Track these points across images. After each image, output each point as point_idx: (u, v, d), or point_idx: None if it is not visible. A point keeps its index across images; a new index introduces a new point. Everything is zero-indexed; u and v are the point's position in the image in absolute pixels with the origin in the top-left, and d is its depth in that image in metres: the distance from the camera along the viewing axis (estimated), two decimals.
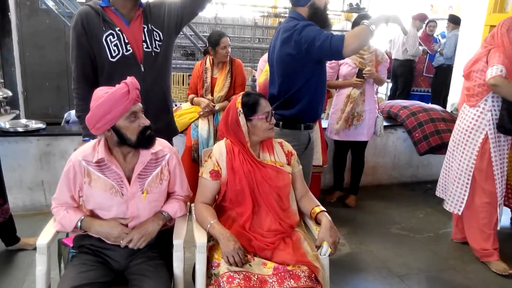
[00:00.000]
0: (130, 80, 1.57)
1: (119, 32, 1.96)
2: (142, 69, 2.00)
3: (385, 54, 3.37)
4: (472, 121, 2.62)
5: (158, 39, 2.06)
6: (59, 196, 1.71)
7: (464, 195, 2.72)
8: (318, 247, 1.73)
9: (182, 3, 2.07)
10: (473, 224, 2.75)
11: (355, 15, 5.68)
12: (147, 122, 1.62)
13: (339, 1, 7.91)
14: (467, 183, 2.69)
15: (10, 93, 4.37)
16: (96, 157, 1.61)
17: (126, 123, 1.56)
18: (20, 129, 3.12)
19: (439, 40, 6.61)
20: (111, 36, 1.95)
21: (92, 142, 1.68)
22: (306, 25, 2.06)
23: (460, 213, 2.77)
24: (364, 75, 3.17)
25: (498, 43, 2.49)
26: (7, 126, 3.14)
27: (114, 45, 1.96)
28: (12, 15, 5.03)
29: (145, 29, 2.01)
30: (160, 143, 1.74)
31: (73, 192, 1.69)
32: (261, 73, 3.05)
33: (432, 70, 6.47)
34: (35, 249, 1.63)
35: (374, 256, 2.81)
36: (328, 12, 2.25)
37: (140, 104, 1.62)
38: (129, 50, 1.98)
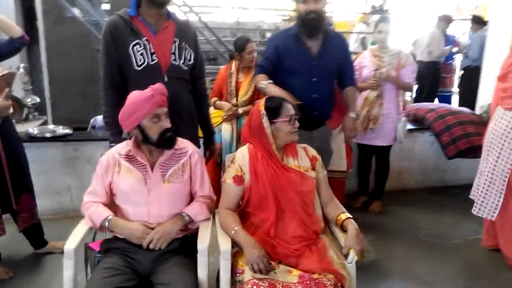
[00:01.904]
0: (157, 85, 1.76)
1: (145, 42, 1.99)
2: (166, 79, 2.02)
3: (411, 57, 3.29)
4: (508, 125, 2.52)
5: (189, 58, 2.12)
6: (92, 188, 1.83)
7: (499, 200, 2.62)
8: (345, 255, 1.69)
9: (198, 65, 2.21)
10: (507, 231, 2.65)
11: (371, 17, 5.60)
12: (168, 124, 1.77)
13: (361, 3, 7.84)
14: (502, 189, 2.59)
15: (38, 99, 4.50)
16: (126, 149, 1.80)
17: (149, 124, 1.73)
18: (47, 135, 3.19)
19: (453, 42, 6.42)
20: (137, 45, 1.99)
21: (125, 141, 1.87)
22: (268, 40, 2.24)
23: (493, 219, 2.67)
24: (377, 75, 3.12)
25: None
26: (35, 131, 3.22)
27: (140, 54, 1.99)
28: (40, 23, 5.17)
29: (176, 43, 2.05)
30: (183, 142, 1.88)
31: (105, 184, 1.80)
32: None
33: (448, 70, 6.32)
34: (62, 252, 1.68)
35: (401, 263, 2.74)
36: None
37: (165, 109, 1.78)
38: (154, 59, 2.01)
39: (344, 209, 1.89)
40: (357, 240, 1.71)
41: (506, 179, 2.57)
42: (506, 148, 2.54)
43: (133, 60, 1.99)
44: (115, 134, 2.08)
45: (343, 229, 1.81)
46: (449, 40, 6.38)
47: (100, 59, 2.07)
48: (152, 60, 2.01)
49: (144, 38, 2.00)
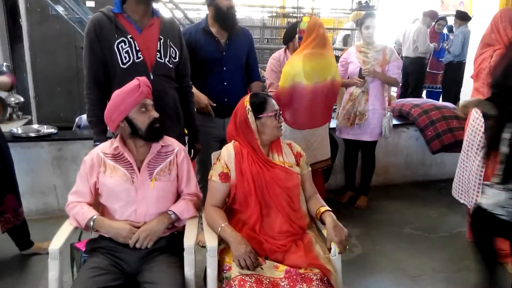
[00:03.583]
0: (142, 77, 1.78)
1: (130, 40, 1.98)
2: (151, 77, 2.01)
3: (396, 53, 3.32)
4: (484, 125, 2.56)
5: (173, 55, 2.12)
6: (77, 188, 1.81)
7: (477, 195, 2.67)
8: (330, 249, 1.71)
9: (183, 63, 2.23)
10: None
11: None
12: (156, 114, 1.77)
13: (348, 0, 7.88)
14: (479, 184, 2.65)
15: (22, 99, 4.42)
16: (112, 147, 1.78)
17: (137, 114, 1.72)
18: (32, 134, 3.15)
19: (447, 37, 6.51)
20: (122, 43, 1.97)
21: (110, 140, 1.85)
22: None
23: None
24: (363, 74, 3.15)
25: (504, 40, 2.41)
26: (20, 131, 3.18)
27: (125, 52, 1.98)
28: (23, 21, 5.10)
29: (161, 40, 2.05)
30: (170, 140, 1.88)
31: (90, 184, 1.78)
32: (273, 73, 3.01)
33: (436, 66, 6.41)
34: (48, 253, 1.66)
35: (387, 257, 2.77)
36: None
37: (150, 101, 1.78)
38: (140, 57, 2.00)
39: (324, 203, 1.90)
40: (335, 232, 1.71)
41: (482, 174, 2.62)
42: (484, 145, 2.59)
43: (118, 58, 1.98)
44: (100, 133, 2.07)
45: (322, 222, 1.82)
46: (442, 38, 6.46)
47: (83, 57, 2.05)
48: (138, 58, 2.00)
49: (129, 36, 1.98)
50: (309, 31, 2.74)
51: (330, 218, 1.78)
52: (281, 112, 1.90)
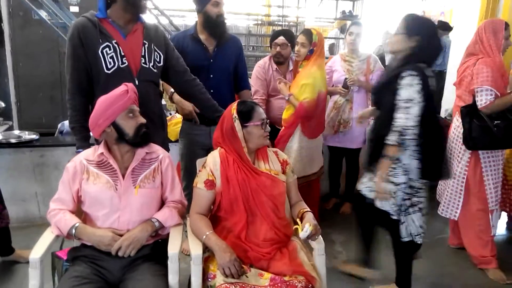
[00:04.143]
0: (130, 84, 1.79)
1: (115, 45, 1.97)
2: (136, 82, 2.00)
3: (379, 62, 3.37)
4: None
5: (158, 60, 2.11)
6: (59, 195, 1.78)
7: (459, 201, 2.72)
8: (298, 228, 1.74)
9: (176, 65, 2.21)
10: (470, 230, 2.75)
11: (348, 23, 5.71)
12: (143, 120, 1.78)
13: (332, 9, 7.98)
14: (461, 190, 2.70)
15: (3, 104, 4.35)
16: (96, 154, 1.76)
17: (125, 119, 1.72)
18: (13, 140, 3.09)
19: None
20: (107, 48, 1.96)
21: (93, 147, 1.83)
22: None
23: (456, 218, 2.77)
24: (348, 84, 3.19)
25: (487, 50, 2.51)
26: (0, 137, 3.12)
27: (110, 57, 1.97)
28: (5, 25, 5.03)
29: (146, 45, 2.05)
30: (154, 147, 1.87)
31: (72, 191, 1.76)
32: (259, 81, 3.05)
33: None
34: (28, 262, 1.62)
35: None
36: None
37: (137, 107, 1.79)
38: (125, 63, 1.99)
39: (307, 208, 1.92)
40: (314, 222, 1.75)
41: (464, 181, 2.69)
42: (464, 152, 2.65)
43: (103, 63, 1.96)
44: (82, 139, 2.05)
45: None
46: None
47: (66, 63, 2.02)
48: (123, 63, 1.99)
49: (114, 41, 1.97)
50: (319, 42, 2.87)
51: (310, 214, 1.82)
52: (268, 121, 1.90)
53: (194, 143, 2.56)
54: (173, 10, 6.85)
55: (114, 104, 1.70)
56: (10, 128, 4.45)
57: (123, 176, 1.75)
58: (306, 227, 1.69)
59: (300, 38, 2.90)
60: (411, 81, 2.03)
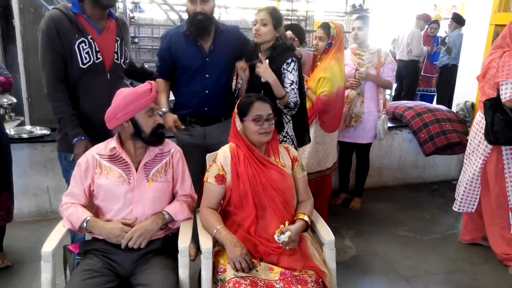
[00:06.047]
0: (153, 82, 1.80)
1: (91, 40, 2.01)
2: (108, 77, 2.07)
3: (390, 55, 3.33)
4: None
5: (126, 56, 2.19)
6: (71, 190, 1.80)
7: (477, 194, 2.70)
8: (283, 233, 1.68)
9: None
10: (493, 228, 2.73)
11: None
12: (160, 120, 1.81)
13: (342, 2, 7.91)
14: (479, 184, 2.69)
15: (15, 100, 4.39)
16: (108, 148, 1.77)
17: (144, 117, 1.74)
18: (25, 136, 3.13)
19: (439, 42, 6.54)
20: (83, 44, 1.99)
21: (105, 141, 1.83)
22: (161, 38, 2.35)
23: (473, 210, 2.75)
24: (356, 76, 3.17)
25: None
26: (12, 132, 3.15)
27: (86, 53, 2.00)
28: (16, 22, 5.05)
29: (118, 42, 2.11)
30: (166, 141, 1.87)
31: (84, 185, 1.77)
32: None
33: (431, 69, 6.45)
34: (7, 267, 1.58)
35: (381, 258, 2.78)
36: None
37: (156, 106, 1.82)
38: (99, 58, 2.04)
39: (307, 212, 1.87)
40: (296, 233, 1.72)
41: (480, 175, 2.66)
42: (485, 147, 2.62)
43: (78, 58, 2.00)
44: (75, 127, 2.02)
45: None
46: (436, 41, 6.48)
47: (41, 55, 2.03)
48: (97, 59, 2.04)
49: (89, 37, 2.01)
50: (338, 36, 2.87)
51: (299, 223, 1.78)
52: (272, 117, 1.85)
53: (187, 145, 2.40)
54: (182, 5, 6.84)
55: (136, 100, 1.72)
56: (22, 124, 4.48)
57: (136, 170, 1.77)
58: (286, 235, 1.66)
59: (318, 32, 2.90)
60: None
